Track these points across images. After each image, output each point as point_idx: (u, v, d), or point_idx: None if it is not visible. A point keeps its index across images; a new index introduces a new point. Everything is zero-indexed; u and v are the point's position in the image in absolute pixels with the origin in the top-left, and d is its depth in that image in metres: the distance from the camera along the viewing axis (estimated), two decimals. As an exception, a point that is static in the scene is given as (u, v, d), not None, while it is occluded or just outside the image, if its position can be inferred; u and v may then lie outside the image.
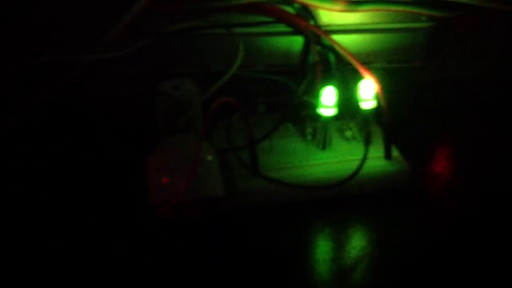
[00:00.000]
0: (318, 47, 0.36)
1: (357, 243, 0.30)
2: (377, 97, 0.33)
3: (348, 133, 0.36)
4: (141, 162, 0.30)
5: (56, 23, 0.32)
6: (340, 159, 0.34)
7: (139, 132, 0.36)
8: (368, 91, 0.33)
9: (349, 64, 0.34)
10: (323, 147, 0.35)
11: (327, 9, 0.34)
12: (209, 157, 0.30)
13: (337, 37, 0.36)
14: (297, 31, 0.36)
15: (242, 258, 0.29)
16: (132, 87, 0.35)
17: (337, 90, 0.33)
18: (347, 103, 0.34)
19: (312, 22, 0.36)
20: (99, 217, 0.31)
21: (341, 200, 0.32)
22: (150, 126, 0.33)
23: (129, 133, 0.37)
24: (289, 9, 0.35)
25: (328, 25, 0.37)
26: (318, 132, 0.34)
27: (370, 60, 0.38)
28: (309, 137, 0.35)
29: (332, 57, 0.36)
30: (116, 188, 0.33)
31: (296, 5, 0.35)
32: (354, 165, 0.32)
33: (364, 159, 0.32)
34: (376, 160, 0.34)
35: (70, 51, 0.32)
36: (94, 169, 0.35)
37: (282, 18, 0.35)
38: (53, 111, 0.36)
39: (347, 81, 0.35)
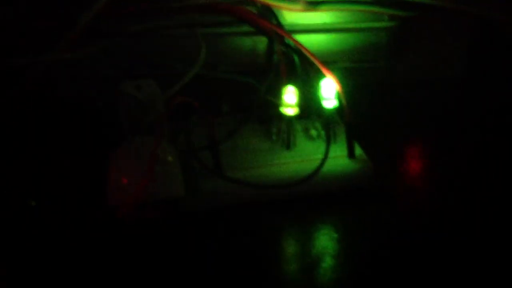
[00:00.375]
0: (282, 47, 0.36)
1: (321, 241, 0.30)
2: (339, 96, 0.33)
3: (313, 132, 0.36)
4: (103, 162, 0.30)
5: (14, 25, 0.32)
6: (304, 158, 0.34)
7: (101, 132, 0.36)
8: (329, 90, 0.33)
9: (312, 63, 0.34)
10: (288, 147, 0.35)
11: (287, 9, 0.34)
12: (170, 158, 0.30)
13: (301, 37, 0.36)
14: (260, 31, 0.36)
15: (206, 259, 0.28)
16: (94, 88, 0.35)
17: (298, 89, 0.33)
18: (312, 102, 0.35)
19: (274, 22, 0.36)
20: (58, 217, 0.31)
21: (305, 199, 0.32)
22: (113, 127, 0.32)
23: (92, 133, 0.36)
24: (251, 9, 0.36)
25: (292, 25, 0.37)
26: (282, 131, 0.35)
27: (334, 59, 0.38)
28: (273, 137, 0.35)
29: (296, 57, 0.36)
30: (76, 188, 0.32)
31: (258, 5, 0.35)
32: (318, 164, 0.32)
33: (325, 158, 0.32)
34: (339, 159, 0.34)
35: (29, 53, 0.31)
36: (55, 168, 0.34)
37: (244, 18, 0.35)
38: (15, 112, 0.36)
39: (311, 81, 0.35)
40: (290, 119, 0.34)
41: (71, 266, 0.28)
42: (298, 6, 0.34)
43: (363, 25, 0.37)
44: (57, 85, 0.35)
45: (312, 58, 0.34)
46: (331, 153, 0.33)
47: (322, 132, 0.35)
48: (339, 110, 0.34)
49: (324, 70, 0.33)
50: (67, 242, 0.29)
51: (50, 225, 0.30)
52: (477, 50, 0.44)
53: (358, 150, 0.34)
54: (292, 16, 0.37)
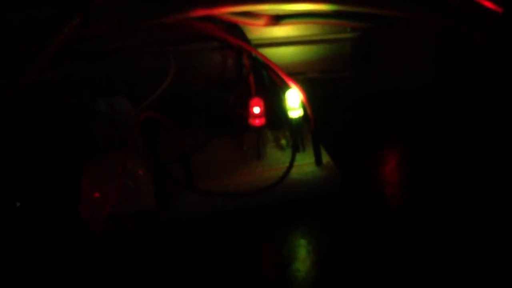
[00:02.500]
0: (249, 61, 0.37)
1: (290, 248, 0.31)
2: (303, 106, 0.34)
3: (283, 142, 0.37)
4: (75, 176, 0.31)
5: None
6: (274, 166, 0.35)
7: (75, 148, 0.36)
8: (294, 101, 0.34)
9: (278, 75, 0.36)
10: (258, 156, 0.36)
11: (251, 24, 0.36)
12: (140, 171, 0.31)
13: (268, 50, 0.38)
14: (228, 46, 0.37)
15: (177, 271, 0.29)
16: (68, 105, 0.36)
17: (265, 101, 0.34)
18: (281, 113, 0.36)
19: (240, 37, 0.37)
20: (31, 229, 0.31)
21: (273, 206, 0.33)
22: (86, 143, 0.33)
23: (65, 148, 0.37)
24: (218, 25, 0.37)
25: (259, 39, 0.38)
26: (253, 142, 0.36)
27: (301, 70, 0.39)
28: (244, 147, 0.36)
29: (263, 70, 0.37)
30: (49, 201, 0.33)
31: (224, 22, 0.37)
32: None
33: (291, 165, 0.33)
34: (307, 166, 0.35)
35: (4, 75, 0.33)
36: (29, 182, 0.35)
37: (212, 34, 0.36)
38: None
39: (278, 92, 0.36)
40: (259, 130, 0.35)
41: (44, 278, 0.28)
42: (262, 21, 0.35)
43: (326, 36, 0.39)
44: (33, 102, 0.36)
45: (277, 71, 0.35)
46: (300, 161, 0.35)
47: (292, 141, 0.37)
48: (305, 118, 0.35)
49: (288, 81, 0.34)
50: (40, 254, 0.30)
51: (23, 236, 0.31)
52: (443, 58, 0.45)
53: (325, 157, 0.35)
54: (259, 31, 0.38)
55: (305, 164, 0.35)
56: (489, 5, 0.37)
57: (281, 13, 0.36)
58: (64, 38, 0.32)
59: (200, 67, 0.38)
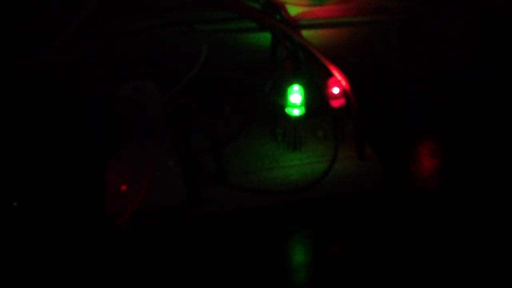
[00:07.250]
0: (286, 44, 0.34)
1: (331, 246, 0.29)
2: (347, 95, 0.31)
3: (320, 133, 0.34)
4: (99, 168, 0.29)
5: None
6: (312, 160, 0.33)
7: (98, 136, 0.34)
8: (336, 89, 0.32)
9: (319, 60, 0.33)
10: (294, 148, 0.33)
11: (292, 4, 0.33)
12: (170, 163, 0.29)
13: (306, 32, 0.35)
14: (264, 28, 0.35)
15: (209, 269, 0.27)
16: (90, 90, 0.34)
17: (303, 88, 0.31)
18: (319, 101, 0.33)
19: (278, 18, 0.34)
20: (51, 226, 0.30)
21: (313, 203, 0.31)
22: (109, 131, 0.31)
23: (87, 137, 0.35)
24: (254, 4, 0.34)
25: (297, 20, 0.35)
26: (288, 132, 0.33)
27: (342, 55, 0.37)
28: (279, 138, 0.34)
29: (301, 54, 0.34)
30: (71, 195, 0.31)
31: (261, 1, 0.34)
32: (326, 166, 0.31)
33: (334, 160, 0.31)
34: (349, 160, 0.32)
35: (22, 55, 0.30)
36: (48, 174, 0.33)
37: (247, 14, 0.34)
38: (6, 114, 0.35)
39: (317, 78, 0.33)
40: (296, 120, 0.32)
41: (65, 278, 0.27)
42: (304, 1, 0.33)
43: (371, 18, 0.36)
44: (52, 87, 0.34)
45: (318, 55, 0.32)
46: (340, 154, 0.32)
47: (330, 132, 0.34)
48: (347, 108, 0.32)
49: (331, 67, 0.31)
50: (62, 253, 0.28)
51: (43, 235, 0.29)
52: (488, 42, 0.43)
53: (368, 150, 0.33)
54: (297, 11, 0.35)
55: (346, 158, 0.32)
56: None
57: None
58: (86, 16, 0.29)
59: (232, 50, 0.35)
